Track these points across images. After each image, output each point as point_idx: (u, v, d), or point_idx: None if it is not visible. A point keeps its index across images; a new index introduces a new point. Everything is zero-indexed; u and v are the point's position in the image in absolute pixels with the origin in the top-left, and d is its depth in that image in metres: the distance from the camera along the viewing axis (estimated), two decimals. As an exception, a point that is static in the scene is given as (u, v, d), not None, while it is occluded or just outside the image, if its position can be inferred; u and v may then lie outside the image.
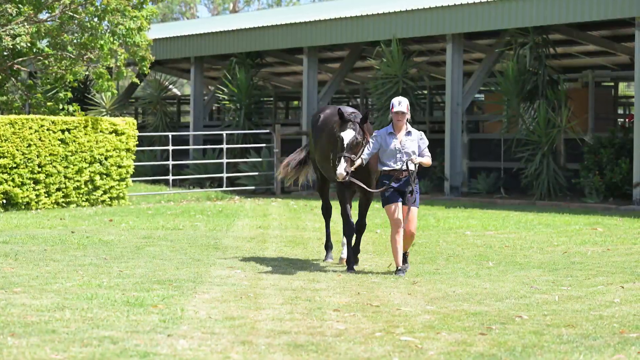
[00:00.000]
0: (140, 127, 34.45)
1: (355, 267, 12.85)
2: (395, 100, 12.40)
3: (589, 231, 17.25)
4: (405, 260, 12.46)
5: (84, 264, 12.59)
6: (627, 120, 27.42)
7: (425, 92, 30.40)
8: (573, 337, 8.43)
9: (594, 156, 23.34)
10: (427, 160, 12.45)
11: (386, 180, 12.30)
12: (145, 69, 23.28)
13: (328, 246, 13.88)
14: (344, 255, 13.31)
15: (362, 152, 12.42)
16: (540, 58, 24.56)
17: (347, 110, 12.66)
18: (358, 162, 12.33)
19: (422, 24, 25.38)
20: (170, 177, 26.33)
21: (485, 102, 31.03)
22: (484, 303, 10.13)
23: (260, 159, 28.25)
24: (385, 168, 12.32)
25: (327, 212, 14.07)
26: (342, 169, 12.16)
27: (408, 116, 12.39)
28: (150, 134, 30.77)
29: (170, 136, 27.07)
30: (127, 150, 23.09)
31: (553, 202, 23.16)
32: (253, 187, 27.99)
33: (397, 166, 12.26)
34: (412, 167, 12.26)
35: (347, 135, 12.27)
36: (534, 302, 10.23)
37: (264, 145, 28.83)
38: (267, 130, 28.62)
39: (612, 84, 30.21)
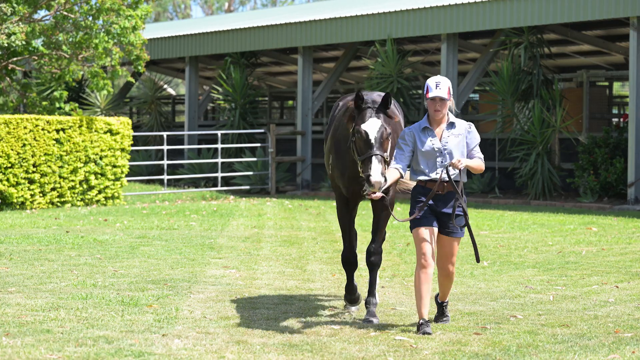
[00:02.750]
0: (135, 127, 34.45)
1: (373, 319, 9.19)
2: (432, 82, 8.57)
3: (583, 231, 17.26)
4: (443, 312, 9.04)
5: (79, 264, 12.58)
6: (621, 119, 27.45)
7: (420, 91, 30.39)
8: (568, 336, 8.44)
9: (589, 156, 23.34)
10: (477, 163, 8.61)
11: (422, 196, 8.65)
12: (140, 68, 23.25)
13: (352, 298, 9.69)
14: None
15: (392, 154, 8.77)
16: (535, 58, 24.56)
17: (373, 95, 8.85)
18: (394, 175, 8.60)
19: (417, 23, 25.38)
20: (165, 177, 26.30)
21: (480, 102, 31.04)
22: (479, 303, 10.13)
23: (255, 159, 28.23)
24: (422, 177, 8.65)
25: (347, 261, 9.60)
26: (377, 173, 8.28)
27: (451, 103, 8.71)
28: (145, 134, 30.73)
29: (165, 136, 27.05)
30: (122, 149, 23.06)
31: (548, 202, 23.17)
32: (248, 187, 27.98)
33: (438, 175, 8.60)
34: (454, 174, 8.62)
35: (373, 126, 8.56)
36: (529, 301, 10.24)
37: (258, 144, 28.82)
38: (262, 130, 28.61)
39: (607, 83, 30.22)
